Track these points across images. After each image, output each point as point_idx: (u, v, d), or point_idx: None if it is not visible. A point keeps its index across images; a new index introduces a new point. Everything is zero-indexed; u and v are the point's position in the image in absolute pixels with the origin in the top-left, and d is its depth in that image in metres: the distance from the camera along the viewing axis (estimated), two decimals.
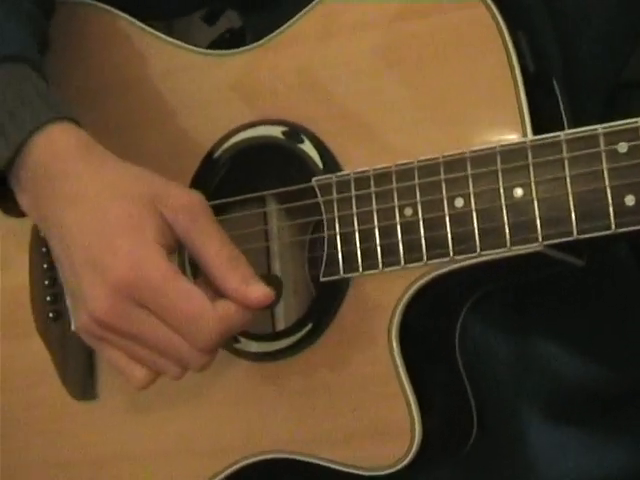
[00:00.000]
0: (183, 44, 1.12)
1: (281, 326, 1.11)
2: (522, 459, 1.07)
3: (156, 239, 0.92)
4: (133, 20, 1.14)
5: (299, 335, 1.03)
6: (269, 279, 1.01)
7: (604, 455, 1.07)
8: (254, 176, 1.10)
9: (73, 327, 0.98)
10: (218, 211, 1.08)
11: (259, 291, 0.92)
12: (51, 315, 1.15)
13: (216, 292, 0.93)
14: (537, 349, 1.07)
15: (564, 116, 1.01)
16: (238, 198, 1.09)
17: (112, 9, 1.14)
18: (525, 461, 1.07)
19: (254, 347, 1.05)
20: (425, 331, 1.03)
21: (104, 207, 0.94)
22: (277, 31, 1.07)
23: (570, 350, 1.07)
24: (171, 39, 1.13)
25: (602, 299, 1.07)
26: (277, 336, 1.05)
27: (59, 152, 0.98)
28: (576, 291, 1.05)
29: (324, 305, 1.02)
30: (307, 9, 1.06)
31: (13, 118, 0.98)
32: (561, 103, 1.01)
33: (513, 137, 0.96)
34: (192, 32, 1.21)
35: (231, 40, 1.25)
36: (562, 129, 1.00)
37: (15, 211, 1.04)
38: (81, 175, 0.96)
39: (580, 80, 1.03)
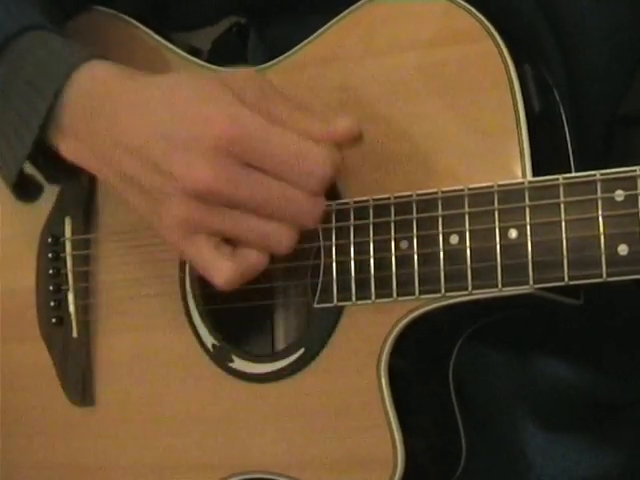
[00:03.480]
0: (197, 60, 1.13)
1: (280, 346, 1.13)
2: (520, 460, 1.08)
3: (237, 100, 0.92)
4: (148, 31, 1.15)
5: (291, 359, 1.04)
6: None
7: (599, 456, 1.08)
8: None
9: (163, 227, 0.95)
10: None
11: (344, 121, 0.94)
12: (54, 320, 1.16)
13: None
14: (534, 359, 1.08)
15: (570, 152, 1.01)
16: None
17: (129, 19, 1.15)
18: (523, 462, 1.08)
19: (247, 367, 1.06)
20: (416, 363, 1.03)
21: (174, 96, 0.94)
22: (291, 51, 1.08)
23: (566, 358, 1.07)
24: (185, 53, 1.13)
25: (598, 311, 1.06)
26: (270, 358, 1.06)
27: (102, 78, 0.99)
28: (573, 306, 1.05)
29: (317, 331, 1.03)
30: (322, 30, 1.06)
31: (43, 71, 1.00)
32: (569, 139, 1.01)
33: (513, 176, 0.95)
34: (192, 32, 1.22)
35: (239, 35, 1.26)
36: (568, 165, 1.00)
37: (59, 174, 1.05)
38: (136, 86, 0.97)
39: (580, 114, 1.03)
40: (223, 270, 0.94)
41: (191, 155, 0.91)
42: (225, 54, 1.23)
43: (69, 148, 1.01)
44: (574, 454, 1.08)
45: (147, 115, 0.94)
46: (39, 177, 1.08)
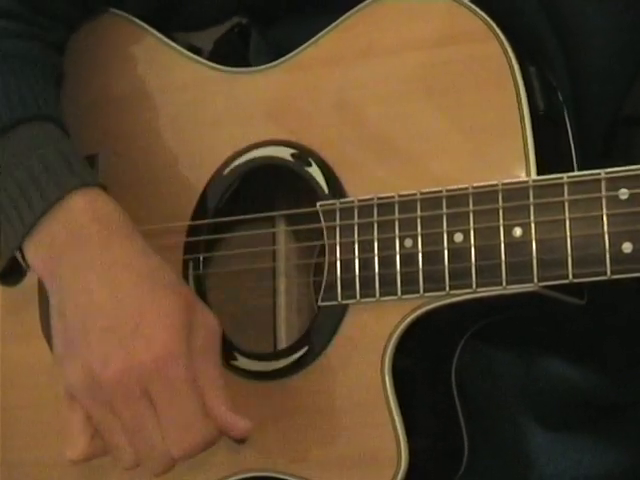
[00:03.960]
0: (202, 59, 1.13)
1: (283, 346, 1.13)
2: (522, 459, 1.08)
3: (187, 342, 0.95)
4: (154, 32, 1.15)
5: (294, 357, 1.04)
6: None
7: (601, 455, 1.08)
8: (262, 195, 1.11)
9: (64, 368, 0.99)
10: (225, 229, 1.10)
11: (247, 424, 0.97)
12: None
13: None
14: (537, 358, 1.08)
15: (574, 153, 1.01)
16: (248, 217, 1.10)
17: (134, 19, 1.16)
18: (525, 461, 1.08)
19: (250, 365, 1.06)
20: (419, 362, 1.04)
21: (145, 290, 0.96)
22: (294, 52, 1.08)
23: (568, 358, 1.08)
24: (190, 53, 1.14)
25: (601, 311, 1.06)
26: (273, 356, 1.06)
27: (81, 226, 0.99)
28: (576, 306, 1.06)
29: (321, 329, 1.03)
30: (328, 30, 1.06)
31: (38, 184, 1.01)
32: (572, 140, 1.02)
33: (517, 175, 0.96)
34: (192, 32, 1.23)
35: (240, 35, 1.26)
36: (571, 166, 1.01)
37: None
38: (111, 249, 0.98)
39: (582, 114, 1.03)
40: (78, 446, 1.00)
41: (116, 354, 0.95)
42: (227, 54, 1.24)
43: (33, 252, 1.02)
44: (576, 454, 1.08)
45: (112, 287, 0.97)
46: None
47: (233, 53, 1.26)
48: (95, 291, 0.97)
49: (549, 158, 0.98)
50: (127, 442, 0.97)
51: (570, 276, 0.93)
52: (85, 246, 0.99)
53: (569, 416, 1.08)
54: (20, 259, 1.04)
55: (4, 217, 1.02)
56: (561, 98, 1.02)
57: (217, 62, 1.13)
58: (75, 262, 0.99)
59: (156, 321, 0.95)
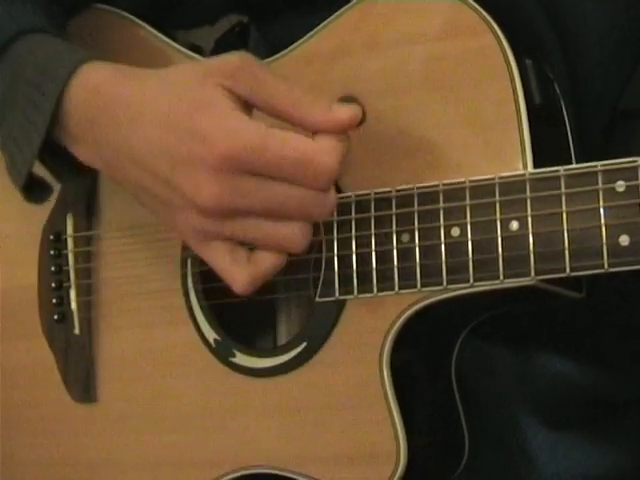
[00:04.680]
0: (198, 56, 1.13)
1: (283, 341, 1.13)
2: (522, 458, 1.08)
3: (231, 107, 0.92)
4: (150, 29, 1.15)
5: (293, 353, 1.04)
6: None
7: (601, 454, 1.07)
8: None
9: (180, 232, 0.97)
10: None
11: (346, 111, 0.94)
12: (56, 317, 1.16)
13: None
14: (536, 355, 1.08)
15: (572, 147, 1.01)
16: None
17: (130, 16, 1.16)
18: (525, 460, 1.08)
19: (249, 362, 1.06)
20: (418, 357, 1.03)
21: (168, 108, 0.94)
22: (292, 47, 1.08)
23: (568, 356, 1.07)
24: (186, 50, 1.13)
25: (600, 308, 1.06)
26: (272, 352, 1.06)
27: (98, 86, 0.99)
28: (574, 301, 1.05)
29: (319, 325, 1.03)
30: (322, 25, 1.06)
31: (45, 73, 1.00)
32: (569, 133, 1.01)
33: (514, 169, 0.95)
34: (193, 30, 1.22)
35: (240, 35, 1.26)
36: (569, 160, 1.00)
37: (69, 173, 1.05)
38: (130, 96, 0.97)
39: (580, 108, 1.03)
40: (237, 279, 0.95)
41: (197, 174, 0.92)
42: None
43: (80, 153, 1.02)
44: (576, 452, 1.07)
45: (145, 129, 0.95)
46: (49, 179, 1.08)
47: None
48: (138, 145, 0.95)
49: (546, 151, 0.97)
50: (285, 220, 0.93)
51: (567, 269, 0.92)
52: (106, 111, 0.97)
53: (570, 415, 1.08)
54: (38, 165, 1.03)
55: (26, 120, 1.01)
56: (558, 91, 1.02)
57: None
58: (107, 132, 0.97)
59: (195, 118, 0.92)
